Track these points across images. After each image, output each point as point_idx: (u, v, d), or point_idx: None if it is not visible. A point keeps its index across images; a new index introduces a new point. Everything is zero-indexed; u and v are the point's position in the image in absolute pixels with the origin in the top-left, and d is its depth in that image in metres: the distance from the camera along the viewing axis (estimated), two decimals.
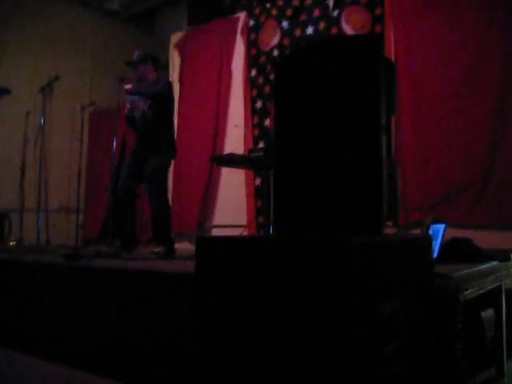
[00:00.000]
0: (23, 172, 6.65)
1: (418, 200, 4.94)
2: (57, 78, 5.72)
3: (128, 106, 4.81)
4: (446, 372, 2.01)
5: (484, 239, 3.66)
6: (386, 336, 1.60)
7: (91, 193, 8.15)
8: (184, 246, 6.93)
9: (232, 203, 6.53)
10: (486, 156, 4.72)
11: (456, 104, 4.90)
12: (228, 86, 6.68)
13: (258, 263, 1.73)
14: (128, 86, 4.78)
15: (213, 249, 1.88)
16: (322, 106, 1.87)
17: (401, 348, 1.70)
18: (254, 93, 6.41)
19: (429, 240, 2.07)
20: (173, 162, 5.39)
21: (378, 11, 5.46)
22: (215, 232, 6.73)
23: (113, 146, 5.56)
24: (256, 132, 6.21)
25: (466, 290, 2.20)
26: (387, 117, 1.84)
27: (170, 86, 4.85)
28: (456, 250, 3.39)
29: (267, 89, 6.28)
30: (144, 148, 4.71)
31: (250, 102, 6.41)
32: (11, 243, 6.45)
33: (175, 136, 5.06)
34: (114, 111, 5.66)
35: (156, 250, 4.54)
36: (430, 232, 3.54)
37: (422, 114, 5.06)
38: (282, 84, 2.04)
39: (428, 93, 5.06)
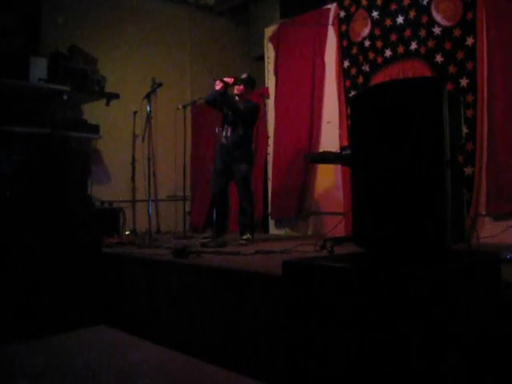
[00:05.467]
0: (134, 166, 7.17)
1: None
2: (160, 84, 6.12)
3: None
4: None
5: None
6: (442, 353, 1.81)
7: (196, 182, 8.58)
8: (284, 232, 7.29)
9: (329, 191, 6.73)
10: None
11: None
12: (322, 77, 6.82)
13: (331, 286, 1.98)
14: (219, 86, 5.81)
15: (295, 271, 2.15)
16: (392, 139, 2.07)
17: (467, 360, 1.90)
18: (348, 84, 6.52)
19: (495, 258, 2.23)
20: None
21: None
22: (313, 219, 6.98)
23: (215, 135, 6.03)
24: (350, 124, 6.32)
25: None
26: (452, 146, 2.02)
27: (255, 109, 6.10)
28: None
29: (360, 79, 6.37)
30: (232, 156, 5.89)
31: (343, 92, 6.53)
32: (126, 233, 7.00)
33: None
34: None
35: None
36: None
37: None
38: (358, 117, 2.25)
39: None
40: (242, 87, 5.97)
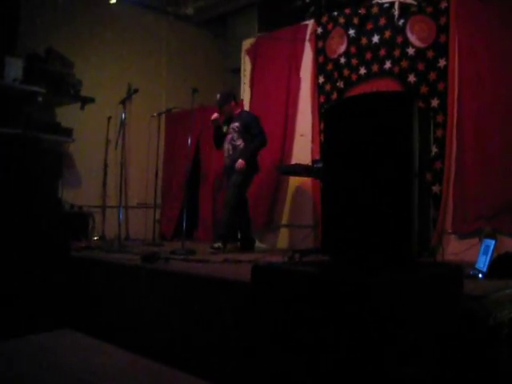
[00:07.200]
0: (105, 172, 7.16)
1: (477, 209, 5.05)
2: (136, 90, 6.14)
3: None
4: None
5: None
6: (405, 359, 1.86)
7: (167, 191, 8.57)
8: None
9: (299, 203, 6.79)
10: None
11: None
12: (296, 92, 6.91)
13: (296, 290, 2.03)
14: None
15: (264, 276, 2.19)
16: (363, 151, 2.13)
17: (428, 367, 1.95)
18: (322, 99, 6.62)
19: (458, 269, 2.30)
20: None
21: (442, 21, 5.55)
22: (282, 231, 7.03)
23: (187, 145, 5.95)
24: (323, 137, 6.41)
25: (500, 312, 2.40)
26: (421, 160, 2.09)
27: (259, 121, 6.01)
28: (506, 265, 3.54)
29: (335, 95, 6.48)
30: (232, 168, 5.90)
31: (317, 108, 6.62)
32: (95, 238, 6.97)
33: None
34: (188, 114, 6.07)
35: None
36: (482, 247, 3.72)
37: (485, 123, 5.13)
38: (331, 127, 2.31)
39: (491, 102, 5.12)
40: (226, 107, 6.09)
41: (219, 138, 6.16)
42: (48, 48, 6.86)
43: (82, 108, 7.04)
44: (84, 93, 7.09)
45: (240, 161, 5.78)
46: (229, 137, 5.99)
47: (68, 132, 6.97)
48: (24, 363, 3.69)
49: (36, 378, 3.39)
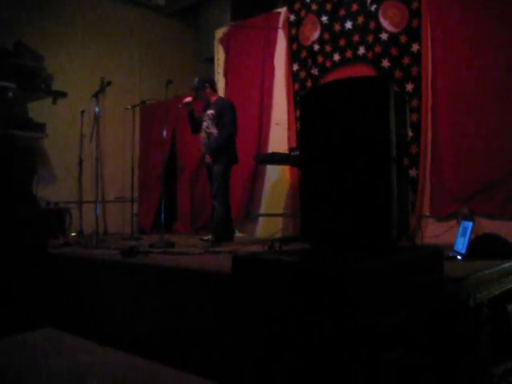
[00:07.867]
0: (81, 167, 7.08)
1: (454, 192, 5.08)
2: (109, 83, 6.06)
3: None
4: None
5: None
6: (388, 344, 1.86)
7: (144, 183, 8.51)
8: None
9: (277, 192, 6.78)
10: None
11: (493, 96, 4.98)
12: (271, 80, 6.88)
13: (277, 279, 2.02)
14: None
15: (244, 266, 2.18)
16: (341, 137, 2.12)
17: (412, 351, 1.95)
18: (297, 87, 6.60)
19: (438, 252, 2.31)
20: None
21: (414, 5, 5.54)
22: (261, 220, 7.02)
23: (163, 137, 5.89)
24: (299, 125, 6.39)
25: (480, 292, 2.43)
26: (398, 144, 2.08)
27: (233, 109, 5.82)
28: (484, 246, 3.58)
29: (309, 82, 6.46)
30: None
31: (292, 95, 6.61)
32: (72, 234, 6.90)
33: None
34: (163, 104, 6.02)
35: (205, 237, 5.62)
36: (460, 229, 3.75)
37: (459, 106, 5.15)
38: (307, 114, 2.29)
39: (465, 86, 5.13)
40: (201, 93, 5.94)
41: (194, 123, 6.01)
42: (16, 42, 6.73)
43: (54, 102, 6.94)
44: (56, 87, 6.99)
45: (207, 156, 5.75)
46: (204, 124, 5.86)
47: (41, 127, 6.87)
48: (7, 363, 3.64)
49: (20, 377, 3.36)
